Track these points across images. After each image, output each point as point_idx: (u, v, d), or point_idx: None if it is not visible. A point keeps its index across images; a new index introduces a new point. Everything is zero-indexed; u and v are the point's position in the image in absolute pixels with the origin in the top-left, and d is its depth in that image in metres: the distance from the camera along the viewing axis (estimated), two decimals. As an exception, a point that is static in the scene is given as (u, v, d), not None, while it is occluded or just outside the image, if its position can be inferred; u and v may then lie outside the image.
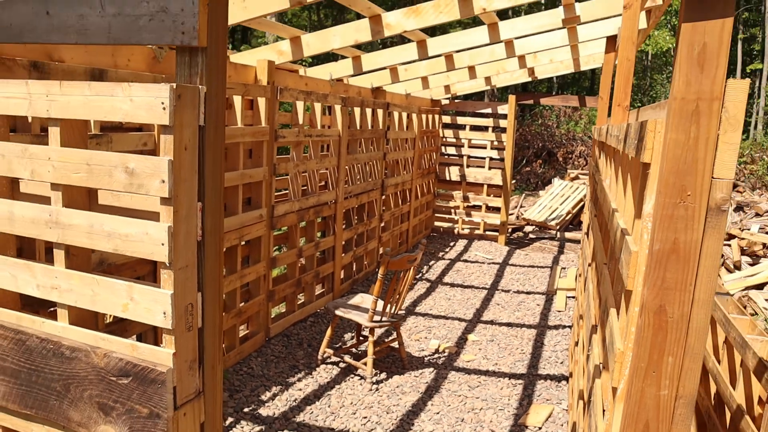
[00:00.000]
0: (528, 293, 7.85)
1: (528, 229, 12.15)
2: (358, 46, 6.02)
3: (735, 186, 15.26)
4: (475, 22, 21.03)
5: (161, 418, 1.93)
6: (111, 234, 1.91)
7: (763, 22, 27.84)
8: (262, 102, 4.99)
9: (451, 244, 10.45)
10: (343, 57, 6.54)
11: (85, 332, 2.05)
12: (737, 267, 8.77)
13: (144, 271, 3.78)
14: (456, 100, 11.11)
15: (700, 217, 1.55)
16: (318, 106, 5.99)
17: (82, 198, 2.09)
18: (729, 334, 3.84)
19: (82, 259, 2.11)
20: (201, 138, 1.90)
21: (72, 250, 2.08)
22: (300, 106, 5.65)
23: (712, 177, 1.54)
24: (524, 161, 19.89)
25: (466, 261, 9.33)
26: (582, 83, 32.61)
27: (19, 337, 2.15)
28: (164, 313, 1.87)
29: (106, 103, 1.87)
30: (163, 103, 1.77)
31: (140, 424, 1.96)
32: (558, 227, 11.76)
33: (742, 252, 8.96)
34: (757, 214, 9.89)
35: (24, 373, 2.16)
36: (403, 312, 6.58)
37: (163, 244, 1.82)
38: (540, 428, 4.38)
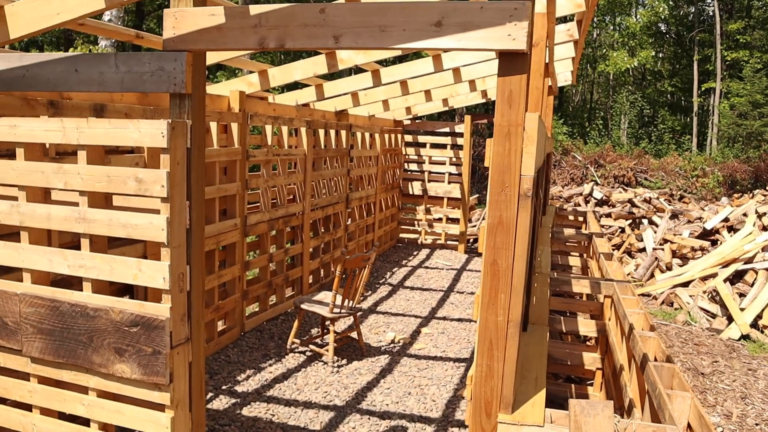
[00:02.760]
0: (480, 294, 8.69)
1: (488, 239, 13.03)
2: (321, 76, 6.87)
3: (682, 197, 16.33)
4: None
5: (161, 354, 2.72)
6: (125, 224, 2.72)
7: (714, 44, 29.31)
8: (234, 127, 5.82)
9: (415, 253, 11.30)
10: (308, 85, 7.39)
11: (106, 297, 2.84)
12: (669, 268, 9.72)
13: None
14: (417, 120, 12.01)
15: (515, 201, 2.41)
16: (285, 129, 6.84)
17: (101, 201, 2.90)
18: (618, 310, 4.73)
19: (101, 245, 2.92)
20: (188, 156, 2.72)
21: (94, 239, 2.88)
22: (269, 129, 6.49)
23: (521, 174, 2.40)
24: (490, 177, 20.85)
25: (427, 268, 10.18)
26: (546, 101, 33.76)
27: (54, 305, 2.94)
28: (164, 279, 2.68)
29: (121, 133, 2.69)
30: (162, 133, 2.60)
31: (146, 360, 2.76)
32: (515, 236, 12.64)
33: (674, 255, 9.92)
34: (689, 221, 10.89)
35: (57, 331, 2.94)
36: (360, 306, 7.38)
37: (163, 230, 2.64)
38: (474, 398, 5.20)
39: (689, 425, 2.70)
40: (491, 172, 2.42)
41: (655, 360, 3.73)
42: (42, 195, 3.07)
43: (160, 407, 2.86)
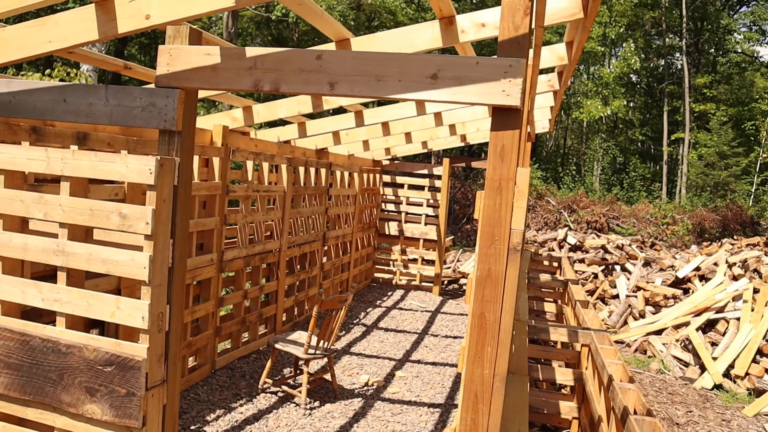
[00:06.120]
0: (455, 337, 8.65)
1: (463, 281, 13.05)
2: (305, 114, 6.89)
3: (653, 245, 16.56)
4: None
5: (136, 396, 2.64)
6: (105, 260, 2.66)
7: (683, 96, 30.21)
8: (216, 161, 5.78)
9: (389, 293, 11.24)
10: (290, 122, 7.41)
11: (80, 334, 2.76)
12: (642, 315, 9.80)
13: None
14: (396, 161, 12.08)
15: (504, 254, 2.40)
16: (266, 165, 6.81)
17: (82, 234, 2.83)
18: (596, 360, 4.72)
19: (78, 279, 2.84)
20: (175, 194, 2.68)
21: (71, 272, 2.80)
22: (250, 164, 6.46)
23: (511, 228, 2.40)
24: (465, 219, 21.00)
25: (401, 309, 10.12)
26: (523, 146, 34.25)
27: (24, 339, 2.84)
28: (143, 318, 2.61)
29: (107, 167, 2.65)
30: (150, 170, 2.56)
31: (119, 402, 2.66)
32: (489, 280, 12.66)
33: (647, 302, 10.01)
34: (661, 269, 11.03)
35: (26, 367, 2.84)
36: (336, 347, 7.28)
37: (145, 268, 2.58)
38: (448, 445, 5.12)
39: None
40: (481, 224, 2.42)
41: (635, 413, 3.72)
42: (19, 224, 2.99)
43: (130, 451, 2.76)
